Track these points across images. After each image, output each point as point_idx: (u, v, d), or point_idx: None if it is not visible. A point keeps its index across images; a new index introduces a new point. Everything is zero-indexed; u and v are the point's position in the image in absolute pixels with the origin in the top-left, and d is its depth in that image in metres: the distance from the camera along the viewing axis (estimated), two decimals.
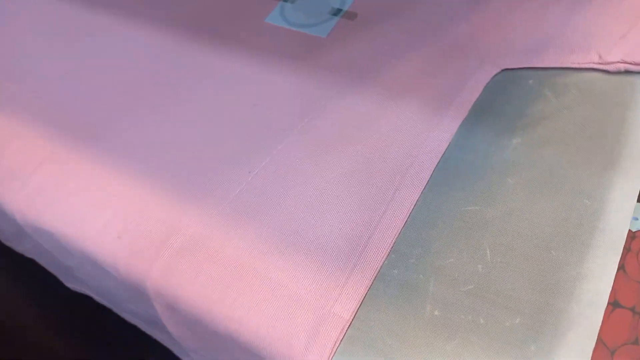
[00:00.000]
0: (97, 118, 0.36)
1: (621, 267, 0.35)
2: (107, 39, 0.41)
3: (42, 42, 0.43)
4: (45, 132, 0.36)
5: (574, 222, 0.26)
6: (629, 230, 0.37)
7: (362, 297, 0.26)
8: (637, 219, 0.37)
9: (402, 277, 0.26)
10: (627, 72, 0.29)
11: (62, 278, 0.40)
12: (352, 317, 0.25)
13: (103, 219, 0.31)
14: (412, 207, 0.28)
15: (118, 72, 0.39)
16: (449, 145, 0.30)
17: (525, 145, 0.29)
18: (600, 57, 0.30)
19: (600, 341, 0.33)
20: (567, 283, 0.24)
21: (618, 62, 0.29)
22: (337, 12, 0.38)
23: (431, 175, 0.29)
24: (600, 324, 0.23)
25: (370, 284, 0.26)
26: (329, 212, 0.29)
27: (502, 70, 0.32)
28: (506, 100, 0.31)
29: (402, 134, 0.31)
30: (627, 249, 0.36)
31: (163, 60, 0.39)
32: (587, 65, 0.30)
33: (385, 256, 0.27)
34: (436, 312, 0.25)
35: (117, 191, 0.32)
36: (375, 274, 0.26)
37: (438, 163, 0.29)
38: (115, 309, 0.37)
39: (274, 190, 0.30)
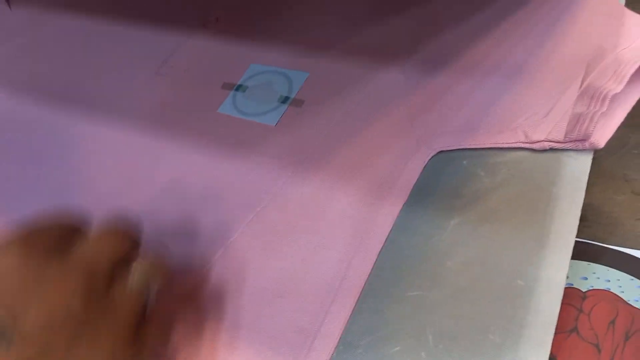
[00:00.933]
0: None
1: (574, 329, 0.36)
2: (65, 134, 0.43)
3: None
4: None
5: (510, 304, 0.27)
6: (579, 290, 0.38)
7: None
8: (586, 278, 0.39)
9: None
10: (552, 149, 0.31)
11: None
12: None
13: None
14: (358, 295, 0.29)
15: (77, 169, 0.40)
16: (392, 229, 0.31)
17: (463, 226, 0.30)
18: (526, 136, 0.32)
19: None
20: None
21: (543, 140, 0.31)
22: (285, 100, 0.40)
23: (376, 261, 0.30)
24: None
25: None
26: (281, 304, 0.30)
27: (438, 152, 0.33)
28: (443, 181, 0.32)
29: (347, 221, 0.32)
30: (578, 310, 0.37)
31: (122, 150, 0.41)
32: (515, 145, 0.32)
33: (333, 348, 0.28)
34: None
35: None
36: None
37: (382, 248, 0.31)
38: None
39: (228, 285, 0.31)
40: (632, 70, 0.31)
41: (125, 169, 0.39)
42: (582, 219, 0.41)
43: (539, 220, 0.29)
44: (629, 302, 0.37)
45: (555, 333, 0.36)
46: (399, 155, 0.34)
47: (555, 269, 0.27)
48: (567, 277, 0.39)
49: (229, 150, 0.38)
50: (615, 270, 0.38)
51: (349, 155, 0.35)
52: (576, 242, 0.40)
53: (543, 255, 0.28)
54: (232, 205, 0.35)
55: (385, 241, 0.31)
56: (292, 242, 0.32)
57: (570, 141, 0.31)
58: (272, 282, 0.31)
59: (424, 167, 0.33)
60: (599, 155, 0.43)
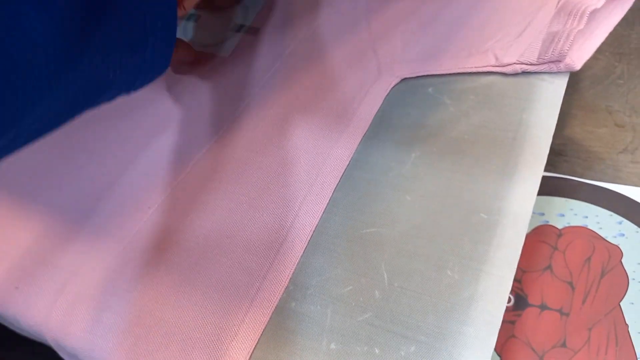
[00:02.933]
0: None
1: (548, 267, 0.35)
2: None
3: None
4: None
5: (471, 239, 0.25)
6: (555, 227, 0.36)
7: (259, 335, 0.25)
8: (563, 215, 0.37)
9: (300, 309, 0.25)
10: (525, 73, 0.28)
11: None
12: (247, 359, 0.24)
13: (1, 268, 0.30)
14: (311, 233, 0.27)
15: None
16: (349, 163, 0.29)
17: (424, 159, 0.28)
18: (497, 59, 0.29)
19: (529, 347, 0.32)
20: (462, 305, 0.23)
21: (514, 63, 0.28)
22: (239, 29, 0.36)
23: (331, 197, 0.28)
24: (494, 344, 0.22)
25: (268, 319, 0.25)
26: (229, 245, 0.28)
27: (402, 80, 0.31)
28: (406, 112, 0.30)
29: (301, 155, 0.30)
30: (553, 248, 0.35)
31: None
32: (484, 69, 0.29)
33: (283, 289, 0.26)
34: (332, 345, 0.24)
35: (13, 238, 0.31)
36: (273, 309, 0.25)
37: (338, 183, 0.28)
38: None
39: (172, 229, 0.29)
40: None
41: None
42: (561, 153, 0.38)
43: (506, 149, 0.27)
44: (606, 238, 0.35)
45: (528, 271, 0.35)
46: (359, 84, 0.31)
47: (521, 202, 0.25)
48: (543, 215, 0.37)
49: (178, 83, 0.35)
50: (593, 205, 0.36)
51: (305, 86, 0.32)
52: (553, 177, 0.38)
53: (509, 186, 0.26)
54: (179, 144, 0.32)
55: (342, 177, 0.29)
56: (243, 180, 0.30)
57: (544, 63, 0.28)
58: (220, 222, 0.29)
59: (386, 96, 0.30)
60: (581, 87, 0.40)
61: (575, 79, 0.40)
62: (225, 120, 0.32)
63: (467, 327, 0.23)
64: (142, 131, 0.34)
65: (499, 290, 0.23)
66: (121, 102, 0.35)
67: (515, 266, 0.24)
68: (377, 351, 0.23)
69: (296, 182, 0.29)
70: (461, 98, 0.29)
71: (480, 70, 0.29)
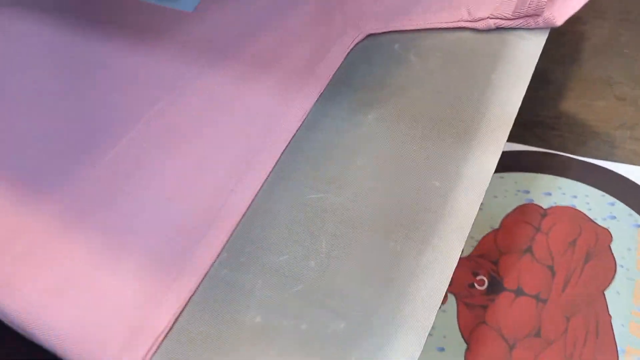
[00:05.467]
0: None
1: (528, 249, 0.32)
2: None
3: None
4: None
5: (421, 207, 0.22)
6: (540, 207, 0.33)
7: (184, 303, 0.23)
8: (550, 194, 0.33)
9: (230, 278, 0.23)
10: (499, 29, 0.26)
11: None
12: (168, 328, 0.22)
13: None
14: (252, 198, 0.25)
15: None
16: (302, 125, 0.27)
17: (381, 120, 0.25)
18: (469, 13, 0.26)
19: (499, 335, 0.30)
20: (402, 279, 0.21)
21: (488, 17, 0.25)
22: None
23: (278, 161, 0.26)
24: (431, 324, 0.20)
25: (196, 287, 0.23)
26: (171, 209, 0.26)
27: (368, 36, 0.28)
28: (368, 70, 0.27)
29: (255, 116, 0.28)
30: (536, 229, 0.32)
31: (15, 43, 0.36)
32: (456, 24, 0.26)
33: (216, 255, 0.24)
34: (258, 319, 0.22)
35: None
36: (202, 277, 0.23)
37: (287, 146, 0.26)
38: None
39: (117, 187, 0.27)
40: None
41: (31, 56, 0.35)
42: (553, 127, 0.35)
43: (469, 112, 0.24)
44: (595, 220, 0.32)
45: (506, 253, 0.32)
46: (322, 40, 0.29)
47: (478, 170, 0.22)
48: (528, 193, 0.34)
49: (136, 39, 0.33)
50: (583, 184, 0.33)
51: (267, 44, 0.30)
52: (541, 152, 0.34)
53: (466, 153, 0.23)
54: (129, 101, 0.30)
55: (292, 139, 0.26)
56: (193, 139, 0.28)
57: (521, 17, 0.25)
58: (165, 182, 0.27)
59: (349, 53, 0.28)
60: (580, 57, 0.37)
61: (574, 48, 0.37)
62: (180, 79, 0.30)
63: (404, 304, 0.20)
64: (98, 89, 0.32)
65: (443, 265, 0.21)
66: (80, 60, 0.34)
67: (464, 239, 0.21)
68: (304, 327, 0.21)
69: (245, 144, 0.27)
70: (428, 55, 0.26)
71: (451, 25, 0.26)
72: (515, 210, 0.33)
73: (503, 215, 0.33)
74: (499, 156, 0.23)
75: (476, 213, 0.21)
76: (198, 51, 0.31)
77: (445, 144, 0.23)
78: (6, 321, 0.27)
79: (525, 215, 0.32)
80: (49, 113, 0.31)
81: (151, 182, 0.27)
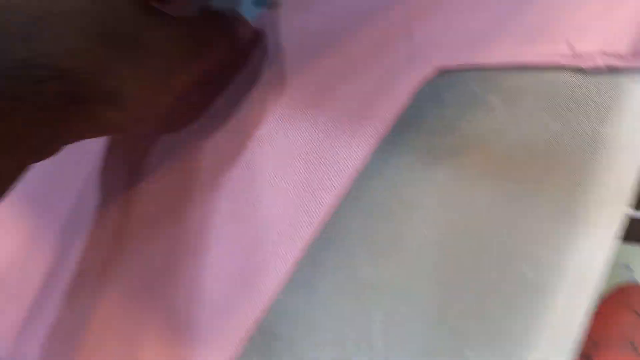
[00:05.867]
0: None
1: (630, 341, 0.25)
2: None
3: None
4: None
5: (501, 304, 0.17)
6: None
7: None
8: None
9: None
10: (610, 70, 0.20)
11: None
12: None
13: None
14: (292, 267, 0.21)
15: None
16: (360, 174, 0.22)
17: (455, 179, 0.20)
18: (570, 46, 0.21)
19: None
20: None
21: (596, 53, 0.20)
22: (260, 2, 0.31)
23: (329, 222, 0.21)
24: None
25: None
26: (188, 267, 0.22)
27: (439, 72, 0.23)
28: (440, 113, 0.22)
29: (299, 163, 0.23)
30: (638, 315, 0.26)
31: None
32: (551, 61, 0.21)
33: (245, 335, 0.19)
34: None
35: None
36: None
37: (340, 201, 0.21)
38: None
39: (133, 234, 0.24)
40: None
41: None
42: None
43: (572, 177, 0.19)
44: None
45: (602, 345, 0.26)
46: (386, 73, 0.24)
47: (589, 256, 0.17)
48: (630, 269, 0.27)
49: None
50: None
51: (324, 72, 0.26)
52: None
53: (571, 232, 0.17)
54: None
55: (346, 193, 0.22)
56: (221, 187, 0.24)
57: None
58: (188, 236, 0.23)
59: (417, 90, 0.23)
60: None
61: None
62: (242, 102, 0.27)
63: None
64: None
65: None
66: None
67: (572, 347, 0.16)
68: None
69: (285, 198, 0.22)
70: (515, 100, 0.21)
71: (545, 62, 0.21)
72: (613, 290, 0.26)
73: (599, 296, 0.26)
74: (614, 237, 0.17)
75: (586, 321, 0.16)
76: (245, 79, 0.28)
77: (540, 218, 0.18)
78: None
79: (626, 296, 0.26)
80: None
81: (167, 238, 0.23)
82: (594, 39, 0.20)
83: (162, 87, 0.22)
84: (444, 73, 0.23)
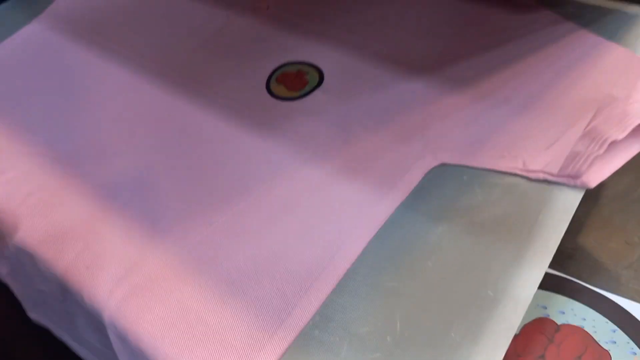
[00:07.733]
0: (80, 154, 0.41)
1: (541, 356, 0.38)
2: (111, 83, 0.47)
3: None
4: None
5: (476, 308, 0.29)
6: (554, 322, 0.40)
7: (283, 352, 0.29)
8: (563, 312, 0.40)
9: (321, 338, 0.30)
10: (546, 180, 0.33)
11: (27, 305, 0.43)
12: None
13: (75, 250, 0.36)
14: (341, 276, 0.32)
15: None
16: (384, 225, 0.34)
17: (449, 234, 0.33)
18: (524, 164, 0.34)
19: None
20: None
21: (538, 170, 0.33)
22: (312, 89, 0.43)
23: (365, 248, 0.33)
24: None
25: (292, 340, 0.30)
26: (272, 272, 0.33)
27: (441, 164, 0.36)
28: (441, 191, 0.35)
29: (346, 208, 0.35)
30: (549, 340, 0.39)
31: (154, 112, 0.45)
32: (512, 170, 0.34)
33: (310, 317, 0.30)
34: None
35: (90, 227, 0.37)
36: (298, 332, 0.30)
37: (373, 237, 0.33)
38: (72, 342, 0.40)
39: (229, 245, 0.34)
40: (636, 123, 0.33)
41: (151, 121, 0.43)
42: (571, 256, 0.43)
43: (520, 241, 0.31)
44: (599, 342, 0.38)
45: (523, 356, 0.39)
46: (405, 158, 0.37)
47: (525, 288, 0.30)
48: (546, 308, 0.41)
49: (253, 125, 0.41)
50: (592, 310, 0.40)
51: (360, 148, 0.38)
52: (560, 277, 0.42)
53: (516, 273, 0.30)
54: (244, 175, 0.38)
55: (377, 232, 0.34)
56: (293, 216, 0.35)
57: (564, 176, 0.33)
58: (267, 249, 0.34)
59: (426, 174, 0.36)
60: (601, 202, 0.45)
61: (597, 193, 0.45)
62: (288, 165, 0.38)
63: None
64: (217, 158, 0.40)
65: (493, 355, 0.27)
66: (208, 130, 0.42)
67: (510, 338, 0.28)
68: None
69: (337, 228, 0.34)
70: (490, 190, 0.34)
71: (509, 170, 0.34)
72: (534, 321, 0.40)
73: (523, 323, 0.39)
74: (539, 280, 0.30)
75: (519, 321, 0.28)
76: (304, 145, 0.39)
77: (499, 263, 0.31)
78: (124, 347, 0.33)
79: (542, 327, 0.39)
80: (185, 172, 0.39)
81: (256, 246, 0.34)
82: (539, 162, 0.34)
83: None
84: (445, 165, 0.36)
